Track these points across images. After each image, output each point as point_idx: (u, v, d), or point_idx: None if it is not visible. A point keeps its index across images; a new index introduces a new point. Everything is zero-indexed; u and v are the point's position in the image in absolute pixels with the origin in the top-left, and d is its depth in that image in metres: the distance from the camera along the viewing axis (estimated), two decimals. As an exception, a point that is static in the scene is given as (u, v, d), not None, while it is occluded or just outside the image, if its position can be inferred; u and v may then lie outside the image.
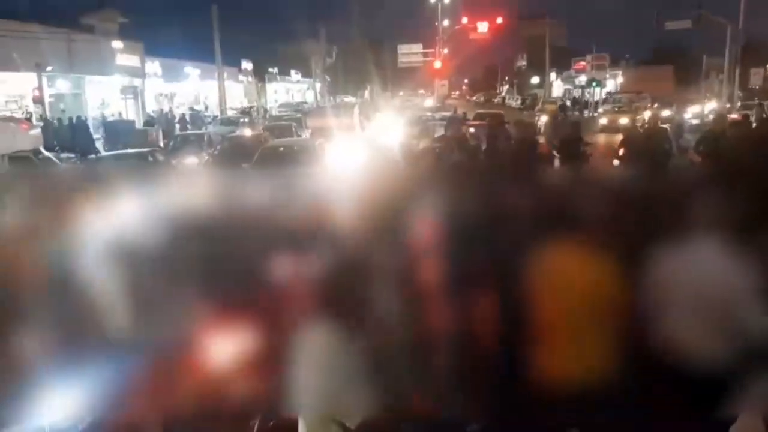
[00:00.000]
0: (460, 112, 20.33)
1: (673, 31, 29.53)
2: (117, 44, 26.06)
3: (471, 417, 2.73)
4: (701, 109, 24.15)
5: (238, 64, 42.35)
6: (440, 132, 11.63)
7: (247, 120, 22.97)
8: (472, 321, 2.61)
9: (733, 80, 23.96)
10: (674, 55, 41.61)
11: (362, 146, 10.99)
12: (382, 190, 4.12)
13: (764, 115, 16.97)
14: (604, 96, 33.94)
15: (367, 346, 2.38)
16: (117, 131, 18.93)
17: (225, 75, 28.07)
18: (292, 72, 54.78)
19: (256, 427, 2.61)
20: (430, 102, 36.61)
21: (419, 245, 2.89)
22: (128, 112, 26.97)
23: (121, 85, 27.16)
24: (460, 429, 2.79)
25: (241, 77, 43.77)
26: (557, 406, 2.68)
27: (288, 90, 54.61)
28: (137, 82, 28.50)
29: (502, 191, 4.55)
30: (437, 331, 2.57)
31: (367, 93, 53.92)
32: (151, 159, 11.45)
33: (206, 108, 34.43)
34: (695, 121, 19.55)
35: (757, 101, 22.10)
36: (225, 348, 2.49)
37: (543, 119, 17.46)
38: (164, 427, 2.55)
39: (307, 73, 51.48)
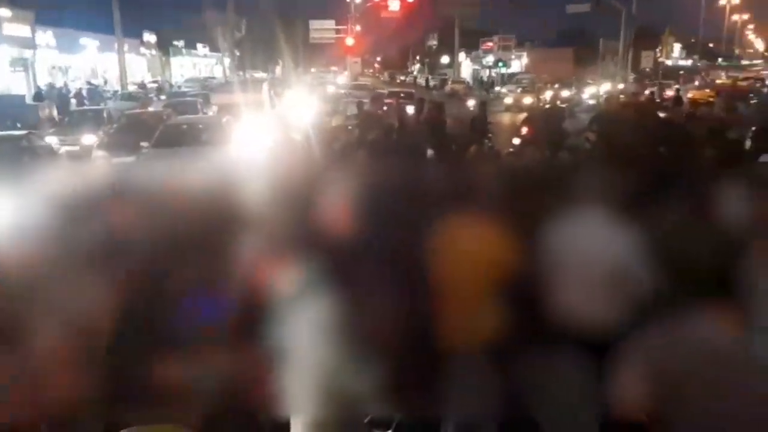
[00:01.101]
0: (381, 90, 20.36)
1: (575, 14, 30.88)
2: (4, 12, 24.00)
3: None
4: (597, 90, 25.57)
5: (140, 36, 40.18)
6: (354, 110, 11.66)
7: (153, 96, 21.93)
8: (386, 301, 2.71)
9: (626, 63, 25.56)
10: (575, 38, 43.52)
11: (272, 124, 10.84)
12: (291, 170, 4.11)
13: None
14: (501, 76, 35.12)
15: (285, 332, 2.41)
16: (3, 107, 17.52)
17: (126, 47, 26.56)
18: (199, 46, 52.60)
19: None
20: (342, 79, 36.37)
21: (331, 223, 2.95)
22: (18, 86, 24.98)
23: (10, 57, 25.10)
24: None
25: (143, 50, 41.58)
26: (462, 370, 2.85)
27: (195, 64, 52.49)
28: (27, 53, 26.43)
29: (414, 169, 4.65)
30: (356, 312, 2.64)
31: (278, 69, 52.74)
32: (25, 144, 9.74)
33: (105, 82, 32.51)
34: (592, 102, 20.68)
35: (656, 81, 23.73)
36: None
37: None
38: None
39: (215, 48, 49.62)
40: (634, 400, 2.09)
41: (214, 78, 40.17)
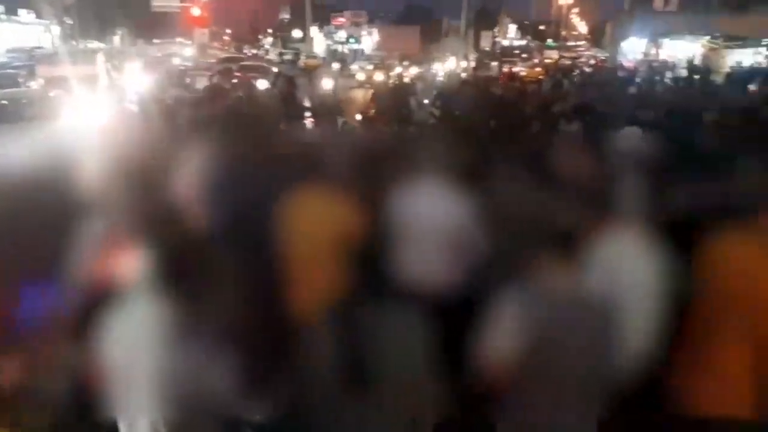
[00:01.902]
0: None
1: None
2: None
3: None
4: (443, 68, 26.79)
5: (-56, -2, 35.02)
6: (203, 82, 11.21)
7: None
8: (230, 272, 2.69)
9: (467, 42, 27.00)
10: (421, 16, 44.94)
11: (109, 98, 10.10)
12: (127, 146, 3.90)
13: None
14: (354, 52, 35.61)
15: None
16: None
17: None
18: (23, 11, 47.08)
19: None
20: (190, 51, 34.53)
21: (173, 203, 2.88)
22: None
23: None
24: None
25: (-51, 14, 36.31)
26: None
27: (14, 31, 46.91)
28: None
29: (264, 144, 4.62)
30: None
31: (116, 39, 48.76)
32: None
33: None
34: (440, 78, 21.66)
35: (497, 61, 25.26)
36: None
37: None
38: None
39: (43, 14, 44.64)
40: (487, 359, 2.23)
41: (42, 48, 36.20)
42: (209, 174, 3.61)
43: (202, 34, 32.91)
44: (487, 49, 34.36)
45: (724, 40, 20.54)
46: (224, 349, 2.13)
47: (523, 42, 52.35)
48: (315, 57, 32.16)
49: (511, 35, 52.55)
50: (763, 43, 20.33)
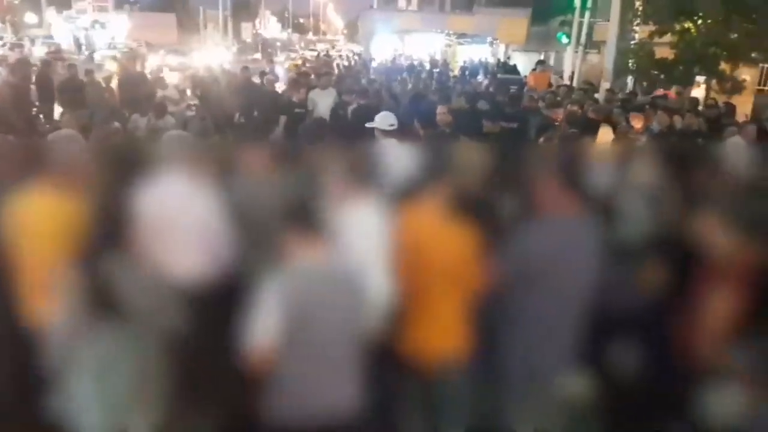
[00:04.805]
0: None
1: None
2: None
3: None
4: (202, 58, 25.85)
5: None
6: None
7: None
8: None
9: (226, 32, 26.43)
10: (176, 4, 42.58)
11: None
12: None
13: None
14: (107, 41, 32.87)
15: None
16: None
17: None
18: None
19: None
20: None
21: None
22: None
23: None
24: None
25: None
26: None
27: None
28: None
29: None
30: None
31: None
32: None
33: None
34: (199, 70, 20.87)
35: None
36: None
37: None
38: None
39: None
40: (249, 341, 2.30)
41: None
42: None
43: None
44: (248, 40, 33.96)
45: (456, 37, 23.30)
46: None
47: (284, 35, 52.86)
48: (54, 44, 28.69)
49: (272, 27, 52.60)
50: (488, 40, 23.55)
